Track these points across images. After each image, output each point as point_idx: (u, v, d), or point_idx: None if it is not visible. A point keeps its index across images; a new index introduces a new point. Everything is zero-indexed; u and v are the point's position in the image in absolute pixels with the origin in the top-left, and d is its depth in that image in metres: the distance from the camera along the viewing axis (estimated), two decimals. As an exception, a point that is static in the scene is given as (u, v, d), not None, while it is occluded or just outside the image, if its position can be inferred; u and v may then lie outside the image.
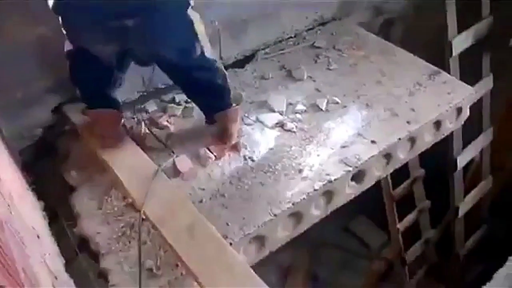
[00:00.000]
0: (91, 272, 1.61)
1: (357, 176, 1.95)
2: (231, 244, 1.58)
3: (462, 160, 3.00)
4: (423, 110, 2.14)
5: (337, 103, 2.18)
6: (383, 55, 2.49)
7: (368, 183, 2.02)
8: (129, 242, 1.58)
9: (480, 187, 3.29)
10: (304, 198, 1.77)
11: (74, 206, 1.73)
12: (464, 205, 3.20)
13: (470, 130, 2.89)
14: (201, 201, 1.76)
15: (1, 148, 1.64)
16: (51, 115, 2.01)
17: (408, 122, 2.08)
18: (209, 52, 1.76)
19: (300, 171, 1.87)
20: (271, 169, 1.88)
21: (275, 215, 1.71)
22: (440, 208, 3.26)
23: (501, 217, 3.47)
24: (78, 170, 1.88)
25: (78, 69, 1.77)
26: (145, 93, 2.17)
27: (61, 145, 2.02)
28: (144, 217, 1.57)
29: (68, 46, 1.73)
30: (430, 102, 2.18)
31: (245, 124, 2.08)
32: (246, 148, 1.96)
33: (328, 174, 1.85)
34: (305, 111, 2.15)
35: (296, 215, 1.80)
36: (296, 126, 2.07)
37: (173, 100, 2.20)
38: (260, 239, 1.71)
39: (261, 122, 2.10)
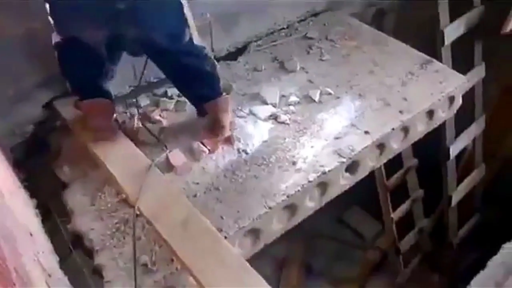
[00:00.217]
0: (85, 269, 1.60)
1: (351, 167, 1.95)
2: (226, 237, 1.58)
3: (454, 149, 3.01)
4: (415, 99, 2.14)
5: (330, 94, 2.18)
6: (376, 45, 2.48)
7: (362, 173, 2.02)
8: (124, 238, 1.57)
9: (473, 175, 3.31)
10: (298, 190, 1.77)
11: (67, 203, 1.72)
12: (457, 193, 3.22)
13: (462, 119, 2.90)
14: (195, 195, 1.75)
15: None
16: (42, 111, 1.98)
17: (401, 112, 2.08)
18: (198, 40, 1.76)
19: (294, 163, 1.86)
20: (265, 162, 1.88)
21: (269, 207, 1.71)
22: (433, 197, 3.28)
23: (494, 205, 3.50)
24: (70, 166, 1.86)
25: (68, 61, 1.75)
26: (136, 87, 2.15)
27: (53, 141, 2.00)
28: (138, 212, 1.56)
29: (55, 38, 1.70)
30: (423, 92, 2.19)
31: (238, 116, 2.07)
32: (239, 141, 1.95)
33: (322, 166, 1.85)
34: (298, 102, 2.14)
35: (291, 207, 1.79)
36: (289, 118, 2.06)
37: (165, 94, 2.18)
38: (255, 232, 1.71)
39: (254, 114, 2.09)
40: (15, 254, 0.94)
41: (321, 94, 2.17)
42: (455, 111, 2.37)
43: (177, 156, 1.85)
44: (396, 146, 2.12)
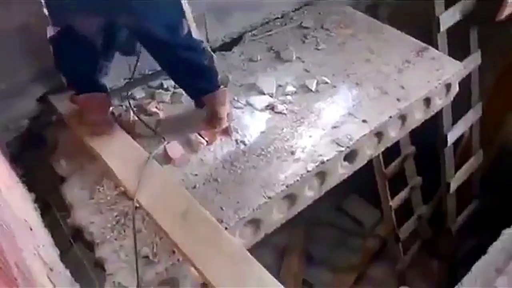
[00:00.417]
0: (86, 262, 1.60)
1: (350, 156, 1.95)
2: (226, 228, 1.58)
3: (452, 136, 3.02)
4: (412, 87, 2.14)
5: (327, 83, 2.17)
6: (371, 33, 2.47)
7: (360, 162, 2.02)
8: (124, 230, 1.57)
9: (471, 162, 3.32)
10: (297, 180, 1.77)
11: (66, 197, 1.71)
12: (455, 180, 3.23)
13: (459, 106, 2.90)
14: (194, 187, 1.75)
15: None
16: (37, 105, 1.97)
17: (398, 100, 2.08)
18: (196, 34, 1.75)
19: (293, 153, 1.86)
20: (263, 152, 1.87)
21: (269, 197, 1.71)
22: (431, 184, 3.29)
23: (492, 191, 3.51)
24: (67, 160, 1.85)
25: (63, 55, 1.74)
26: (131, 80, 2.14)
27: (49, 135, 1.99)
28: (137, 205, 1.56)
29: (50, 32, 1.69)
30: (419, 79, 2.18)
31: (235, 107, 2.06)
32: (237, 132, 1.95)
33: (320, 155, 1.85)
34: (295, 92, 2.14)
35: (290, 197, 1.80)
36: (286, 108, 2.05)
37: (161, 86, 2.17)
38: (255, 222, 1.71)
39: (251, 105, 2.08)
40: (15, 249, 0.94)
41: (317, 83, 2.16)
42: (452, 98, 2.37)
43: (175, 148, 1.84)
44: (394, 134, 2.12)
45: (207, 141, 1.89)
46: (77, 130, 1.87)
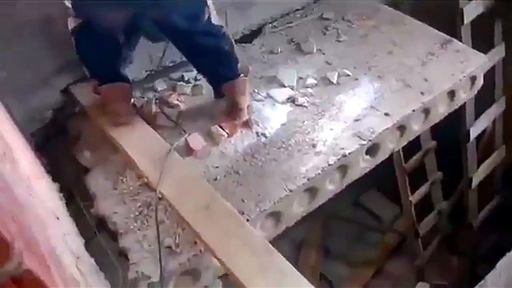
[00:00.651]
0: (110, 251, 1.62)
1: (371, 150, 1.93)
2: (248, 220, 1.58)
3: (474, 131, 2.96)
4: (436, 80, 2.11)
5: (348, 75, 2.15)
6: (394, 24, 2.44)
7: (382, 156, 2.00)
8: (147, 221, 1.59)
9: (493, 157, 3.26)
10: (319, 173, 1.76)
11: (90, 187, 1.73)
12: (478, 175, 3.18)
13: (482, 100, 2.85)
14: (215, 179, 1.75)
15: (16, 131, 1.64)
16: (61, 96, 1.99)
17: (421, 93, 2.05)
18: (216, 20, 1.75)
19: (314, 146, 1.85)
20: (284, 145, 1.87)
21: (290, 190, 1.70)
22: (452, 179, 3.25)
23: (515, 187, 3.45)
24: (90, 151, 1.87)
25: (85, 47, 1.75)
26: (153, 72, 2.15)
27: (72, 126, 2.02)
28: (160, 196, 1.57)
29: (72, 24, 1.70)
30: (443, 72, 2.15)
31: (255, 100, 2.05)
32: (258, 125, 1.95)
33: (342, 148, 1.83)
34: (316, 85, 2.12)
35: (311, 190, 1.79)
36: (307, 101, 2.04)
37: (182, 78, 2.17)
38: (276, 215, 1.71)
39: (271, 97, 2.07)
40: (46, 238, 0.96)
41: (339, 76, 2.15)
42: (476, 92, 2.32)
43: (196, 140, 1.84)
44: (417, 127, 2.10)
45: (228, 133, 1.89)
46: (98, 120, 1.88)
